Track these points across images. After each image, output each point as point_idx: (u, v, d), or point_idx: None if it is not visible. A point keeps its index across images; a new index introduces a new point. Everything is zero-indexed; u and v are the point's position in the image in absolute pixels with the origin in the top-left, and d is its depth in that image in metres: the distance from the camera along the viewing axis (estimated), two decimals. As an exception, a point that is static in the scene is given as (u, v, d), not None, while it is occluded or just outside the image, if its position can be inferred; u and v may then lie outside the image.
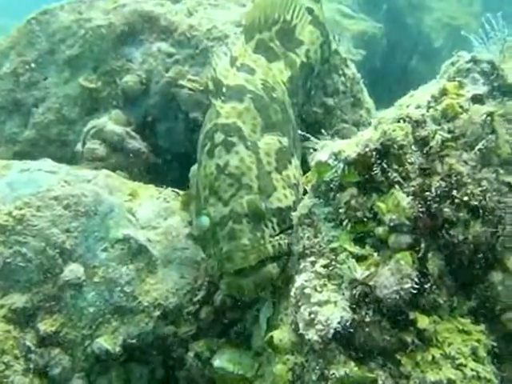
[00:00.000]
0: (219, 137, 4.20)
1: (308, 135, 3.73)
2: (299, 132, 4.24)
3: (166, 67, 5.87)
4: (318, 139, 5.37)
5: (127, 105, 6.02)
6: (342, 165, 3.33)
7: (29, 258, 4.46)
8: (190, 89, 5.54)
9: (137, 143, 5.82)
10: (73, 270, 4.46)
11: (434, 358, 3.06)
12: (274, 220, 3.99)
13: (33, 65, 6.30)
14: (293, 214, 3.75)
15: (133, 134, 5.84)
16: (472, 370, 3.02)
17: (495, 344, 3.14)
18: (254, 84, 4.60)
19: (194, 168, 4.46)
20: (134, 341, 4.46)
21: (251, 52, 4.88)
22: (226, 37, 5.67)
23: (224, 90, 4.40)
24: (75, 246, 4.54)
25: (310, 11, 5.46)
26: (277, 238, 3.96)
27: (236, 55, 4.75)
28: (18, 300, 4.40)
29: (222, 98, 4.36)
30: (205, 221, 4.01)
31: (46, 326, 4.41)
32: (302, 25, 5.28)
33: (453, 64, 3.70)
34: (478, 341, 3.10)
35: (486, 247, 3.15)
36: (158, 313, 4.51)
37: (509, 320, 3.16)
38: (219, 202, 3.99)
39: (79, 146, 5.85)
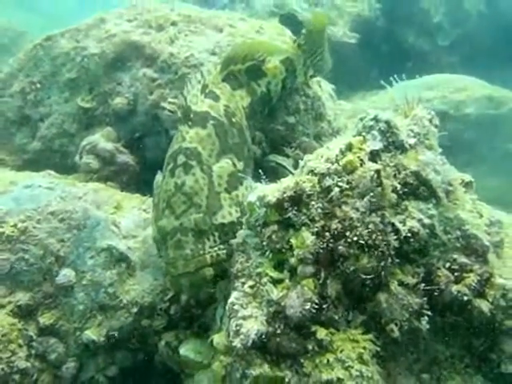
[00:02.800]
0: (181, 159, 4.91)
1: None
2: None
3: (150, 90, 6.65)
4: (283, 152, 6.24)
5: (118, 122, 6.82)
6: (264, 208, 4.19)
7: (31, 263, 5.29)
8: (170, 110, 6.31)
9: (125, 157, 6.63)
10: (66, 274, 5.31)
11: (328, 361, 3.85)
12: (216, 234, 4.73)
13: (38, 85, 7.16)
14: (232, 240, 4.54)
15: (122, 149, 6.65)
16: (357, 370, 3.82)
17: (379, 349, 3.96)
18: (217, 110, 5.34)
19: (159, 179, 5.16)
20: (115, 332, 5.31)
21: (220, 80, 5.61)
22: (201, 64, 6.41)
23: (191, 115, 5.15)
24: (68, 253, 5.37)
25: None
26: (215, 248, 4.70)
27: (207, 83, 5.49)
28: (22, 298, 5.24)
29: (189, 123, 5.11)
30: (159, 229, 4.80)
31: (44, 319, 5.25)
32: (272, 61, 5.98)
33: (361, 120, 4.38)
34: (364, 348, 3.91)
35: (373, 275, 3.93)
36: (135, 309, 5.35)
37: (391, 330, 3.97)
38: (172, 215, 4.70)
39: (77, 158, 6.69)
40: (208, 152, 5.03)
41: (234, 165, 5.11)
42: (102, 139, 6.59)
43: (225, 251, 4.74)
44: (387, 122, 4.27)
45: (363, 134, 4.30)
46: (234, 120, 5.42)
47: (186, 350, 5.06)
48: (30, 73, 7.27)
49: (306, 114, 6.62)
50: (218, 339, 4.35)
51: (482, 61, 14.17)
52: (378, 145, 4.21)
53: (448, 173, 4.31)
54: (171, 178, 4.88)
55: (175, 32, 6.84)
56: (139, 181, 6.69)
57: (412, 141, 4.29)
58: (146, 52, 6.77)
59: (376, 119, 4.30)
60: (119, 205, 5.81)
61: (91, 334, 5.29)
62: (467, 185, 4.58)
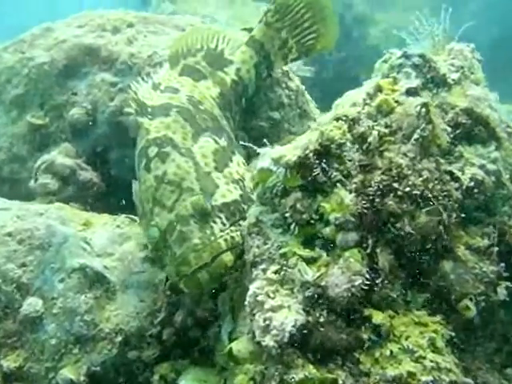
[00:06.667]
0: (153, 150, 4.29)
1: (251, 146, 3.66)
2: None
3: (110, 96, 5.90)
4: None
5: (76, 137, 6.02)
6: (283, 169, 3.33)
7: (-13, 296, 4.44)
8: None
9: (88, 174, 5.81)
10: (31, 304, 4.42)
11: (392, 352, 3.04)
12: (222, 215, 4.04)
13: (-19, 108, 6.31)
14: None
15: (83, 165, 5.83)
16: (431, 361, 2.99)
17: (453, 334, 3.12)
18: (179, 100, 4.68)
19: (136, 188, 4.48)
20: (98, 368, 4.41)
21: (176, 75, 4.98)
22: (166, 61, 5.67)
23: (149, 109, 4.51)
24: (32, 279, 4.51)
25: (248, 32, 5.55)
26: (227, 231, 4.00)
27: (159, 81, 4.85)
28: (-21, 339, 4.39)
29: (149, 116, 4.46)
30: (154, 232, 4.04)
31: (9, 362, 4.36)
32: (231, 46, 5.33)
33: (385, 61, 3.72)
34: (436, 331, 3.09)
35: (433, 237, 3.14)
36: (120, 338, 4.47)
37: (465, 307, 3.15)
38: (164, 210, 4.03)
39: (32, 183, 5.82)
40: (181, 135, 4.42)
41: (216, 142, 4.50)
42: (59, 156, 5.74)
43: (239, 233, 4.01)
44: (422, 56, 3.58)
45: (392, 75, 3.59)
46: (202, 108, 4.78)
47: (188, 382, 4.25)
48: (-27, 95, 6.41)
49: (290, 109, 5.95)
50: (237, 346, 3.50)
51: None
52: (415, 82, 3.49)
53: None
54: (148, 173, 4.27)
55: (133, 33, 6.13)
56: (106, 201, 5.93)
57: (455, 75, 3.60)
58: (102, 55, 6.04)
59: (406, 56, 3.62)
60: (88, 221, 5.00)
61: (68, 373, 4.35)
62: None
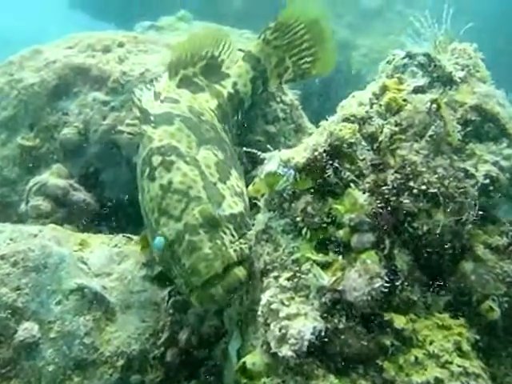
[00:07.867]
0: (157, 159, 4.13)
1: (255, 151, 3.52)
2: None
3: (102, 115, 5.74)
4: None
5: (68, 158, 5.86)
6: (292, 172, 3.22)
7: (-21, 323, 4.20)
8: (130, 133, 5.40)
9: (81, 194, 5.62)
10: (27, 329, 4.18)
11: (417, 358, 2.93)
12: (231, 226, 3.87)
13: (-32, 139, 6.18)
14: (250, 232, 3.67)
15: (76, 185, 5.64)
16: (459, 366, 2.88)
17: (478, 337, 3.00)
18: (181, 109, 4.58)
19: (139, 198, 4.32)
20: (99, 393, 4.20)
21: (175, 87, 4.86)
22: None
23: (152, 118, 4.37)
24: (27, 303, 4.27)
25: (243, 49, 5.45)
26: (237, 243, 3.82)
27: (159, 91, 4.72)
28: (-29, 372, 4.13)
29: (152, 124, 4.32)
30: (160, 242, 3.84)
31: (3, 394, 4.13)
32: (231, 60, 5.24)
33: (389, 63, 3.64)
34: (460, 334, 2.97)
35: (452, 236, 3.04)
36: (121, 362, 4.27)
37: (489, 309, 3.03)
38: (171, 219, 3.86)
39: (23, 206, 5.66)
40: (186, 144, 4.28)
41: (216, 154, 4.36)
42: (51, 177, 5.56)
43: (247, 245, 3.83)
44: (427, 55, 3.53)
45: (397, 76, 3.53)
46: (203, 118, 4.67)
47: (195, 404, 4.07)
48: (-40, 120, 6.26)
49: (286, 123, 5.82)
50: (251, 360, 3.29)
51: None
52: (421, 80, 3.43)
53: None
54: (152, 182, 4.08)
55: (124, 52, 6.01)
56: (100, 221, 5.74)
57: (461, 74, 3.51)
58: (93, 74, 5.88)
59: (410, 56, 3.58)
60: (84, 241, 4.80)
61: (68, 401, 4.16)
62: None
